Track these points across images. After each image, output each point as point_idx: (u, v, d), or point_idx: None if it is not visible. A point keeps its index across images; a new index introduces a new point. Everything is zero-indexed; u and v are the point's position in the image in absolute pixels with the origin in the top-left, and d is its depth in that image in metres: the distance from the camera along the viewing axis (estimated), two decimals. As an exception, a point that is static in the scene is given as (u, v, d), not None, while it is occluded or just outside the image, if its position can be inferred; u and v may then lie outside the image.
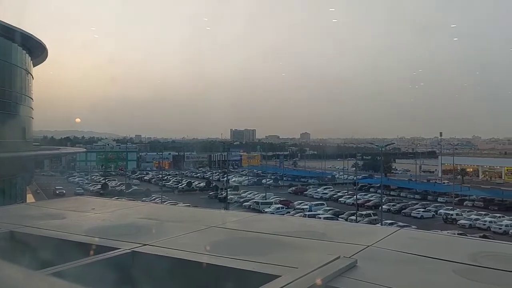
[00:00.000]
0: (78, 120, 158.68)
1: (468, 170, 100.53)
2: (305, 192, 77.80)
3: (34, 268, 3.45)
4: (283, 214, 50.09)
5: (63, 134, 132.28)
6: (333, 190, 78.63)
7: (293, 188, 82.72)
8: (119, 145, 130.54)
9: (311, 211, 57.50)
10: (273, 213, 51.81)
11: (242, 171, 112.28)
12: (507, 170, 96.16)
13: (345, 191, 75.90)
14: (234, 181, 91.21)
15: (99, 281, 3.67)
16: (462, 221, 53.90)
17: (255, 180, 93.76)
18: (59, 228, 5.22)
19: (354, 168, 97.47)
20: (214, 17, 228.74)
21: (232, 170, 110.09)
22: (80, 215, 6.47)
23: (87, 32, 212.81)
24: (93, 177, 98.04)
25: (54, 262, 3.60)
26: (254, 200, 66.63)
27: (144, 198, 60.26)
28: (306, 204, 62.83)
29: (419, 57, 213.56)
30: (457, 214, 56.97)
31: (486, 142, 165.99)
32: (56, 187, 72.32)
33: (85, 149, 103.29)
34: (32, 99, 38.15)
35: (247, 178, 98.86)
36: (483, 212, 58.33)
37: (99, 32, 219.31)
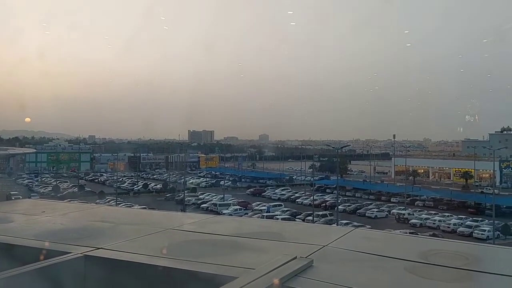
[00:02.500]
0: (28, 119, 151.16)
1: (419, 171, 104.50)
2: (263, 193, 78.25)
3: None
4: (241, 216, 50.17)
5: (11, 134, 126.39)
6: (291, 191, 79.56)
7: (251, 189, 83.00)
8: (72, 145, 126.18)
9: (269, 212, 57.88)
10: (231, 215, 51.78)
11: (200, 173, 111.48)
12: (455, 171, 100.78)
13: (303, 192, 76.98)
14: (192, 182, 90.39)
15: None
16: (413, 221, 56.05)
17: (213, 181, 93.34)
18: (5, 232, 4.97)
19: (311, 170, 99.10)
20: (172, 16, 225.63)
21: (190, 171, 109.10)
22: (29, 218, 6.19)
23: (38, 29, 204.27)
24: (43, 179, 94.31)
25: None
26: (212, 201, 66.30)
27: (98, 201, 58.64)
28: (264, 205, 63.23)
29: (374, 61, 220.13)
30: (409, 214, 59.18)
31: (436, 144, 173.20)
32: (11, 192, 67.72)
33: (35, 150, 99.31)
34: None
35: (205, 179, 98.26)
36: (433, 212, 60.90)
37: (51, 29, 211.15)
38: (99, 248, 4.15)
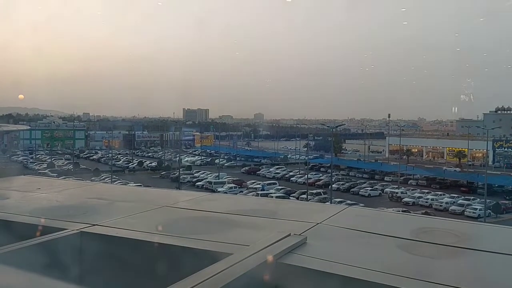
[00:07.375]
0: (21, 96, 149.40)
1: (413, 150, 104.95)
2: (258, 172, 78.56)
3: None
4: (236, 194, 50.46)
5: (5, 111, 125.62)
6: (285, 169, 79.88)
7: (246, 168, 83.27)
8: (66, 123, 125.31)
9: (264, 190, 58.26)
10: (226, 193, 52.06)
11: (195, 151, 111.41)
12: (448, 150, 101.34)
13: (297, 170, 77.33)
14: (187, 160, 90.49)
15: (45, 263, 3.55)
16: (406, 199, 56.73)
17: (208, 160, 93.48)
18: (0, 208, 4.98)
19: (306, 149, 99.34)
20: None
21: (185, 149, 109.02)
22: (24, 195, 6.19)
23: (31, 3, 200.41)
24: (38, 156, 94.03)
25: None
26: (207, 179, 66.56)
27: (93, 178, 58.66)
28: (259, 184, 63.56)
29: (370, 40, 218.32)
30: (402, 193, 59.79)
31: (430, 123, 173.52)
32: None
33: (29, 127, 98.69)
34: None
35: (200, 158, 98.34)
36: (426, 190, 61.51)
37: (43, 4, 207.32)
38: (95, 225, 4.18)
